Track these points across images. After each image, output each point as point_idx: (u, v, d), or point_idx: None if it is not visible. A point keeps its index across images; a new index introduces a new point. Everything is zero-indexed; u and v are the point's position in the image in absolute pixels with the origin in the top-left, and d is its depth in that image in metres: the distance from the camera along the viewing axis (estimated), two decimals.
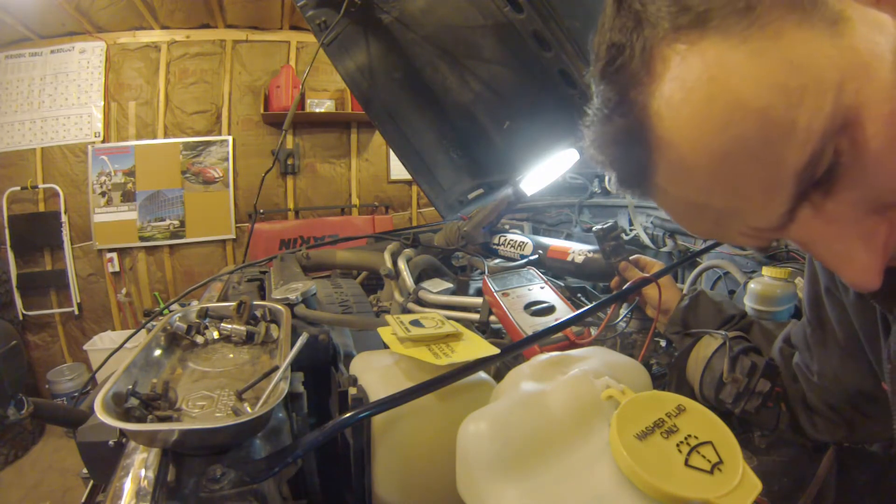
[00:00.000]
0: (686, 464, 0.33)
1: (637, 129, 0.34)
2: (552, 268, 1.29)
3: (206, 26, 3.51)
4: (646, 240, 1.42)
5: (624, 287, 0.88)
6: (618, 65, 0.34)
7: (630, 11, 0.33)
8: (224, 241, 3.67)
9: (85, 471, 0.68)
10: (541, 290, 0.97)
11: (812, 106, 0.29)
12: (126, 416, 0.46)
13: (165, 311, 1.13)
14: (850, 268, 0.33)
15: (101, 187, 3.39)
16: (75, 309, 3.40)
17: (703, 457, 0.34)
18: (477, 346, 0.58)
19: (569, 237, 1.76)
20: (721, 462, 0.33)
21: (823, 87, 0.29)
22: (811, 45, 0.29)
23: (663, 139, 0.33)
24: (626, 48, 0.33)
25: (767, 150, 0.30)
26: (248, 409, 0.49)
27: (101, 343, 3.28)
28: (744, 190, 0.32)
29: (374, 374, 0.57)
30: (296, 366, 0.58)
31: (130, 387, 0.48)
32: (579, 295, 1.24)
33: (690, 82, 0.31)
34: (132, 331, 2.21)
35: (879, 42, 0.30)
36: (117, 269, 3.47)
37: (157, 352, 0.60)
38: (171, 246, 3.57)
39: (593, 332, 0.82)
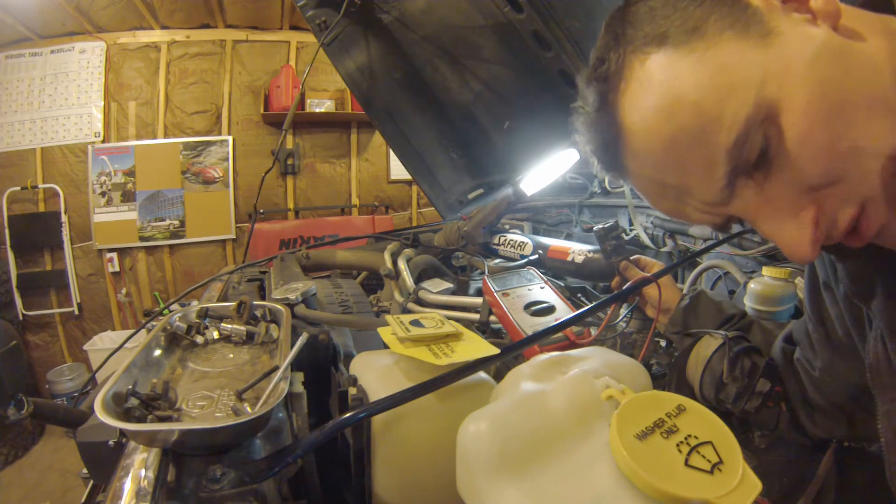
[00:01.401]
0: (686, 464, 0.33)
1: (610, 121, 0.43)
2: (552, 268, 1.29)
3: (206, 26, 3.51)
4: (646, 240, 1.42)
5: (624, 287, 0.88)
6: (599, 73, 0.43)
7: (612, 34, 0.43)
8: (224, 241, 3.67)
9: (85, 471, 0.68)
10: (541, 290, 0.97)
11: (737, 99, 0.36)
12: (126, 416, 0.46)
13: (165, 311, 1.13)
14: (783, 240, 0.40)
15: (101, 187, 3.39)
16: (75, 309, 3.40)
17: (703, 457, 0.34)
18: (477, 346, 0.58)
19: (569, 237, 1.76)
20: (721, 462, 0.33)
21: (747, 84, 0.36)
22: (741, 53, 0.37)
23: (627, 128, 0.42)
24: (606, 61, 0.42)
25: (702, 135, 0.38)
26: (248, 409, 0.49)
27: (101, 343, 3.28)
28: (688, 168, 0.40)
29: (374, 374, 0.57)
30: (296, 366, 0.58)
31: (130, 387, 0.48)
32: (579, 295, 1.24)
33: (646, 83, 0.40)
34: (132, 331, 2.21)
35: (805, 49, 0.36)
36: (117, 269, 3.47)
37: (157, 352, 0.60)
38: (171, 246, 3.57)
39: (593, 332, 0.82)
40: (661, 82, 0.39)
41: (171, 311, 0.69)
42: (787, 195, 0.38)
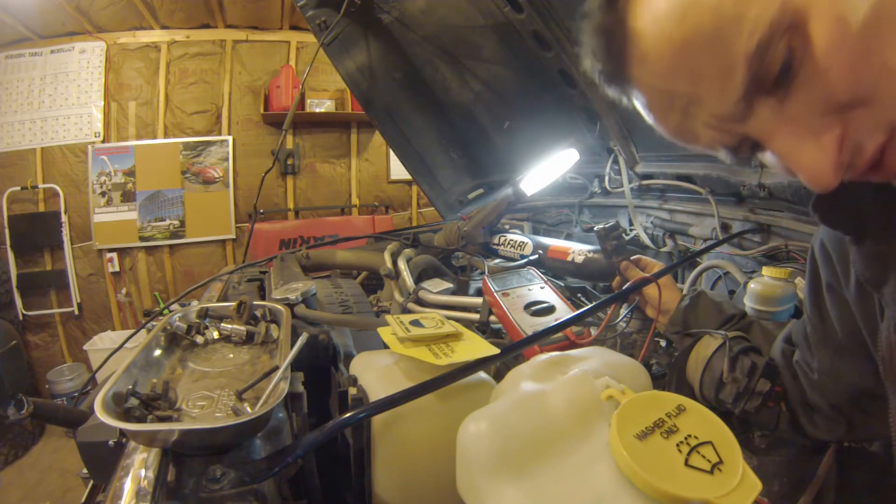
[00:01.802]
0: (686, 464, 0.33)
1: (618, 24, 0.40)
2: (552, 268, 1.29)
3: (206, 26, 3.51)
4: (646, 240, 1.42)
5: (624, 287, 0.88)
6: None
7: None
8: (224, 241, 3.67)
9: (85, 471, 0.68)
10: (541, 290, 0.97)
11: (760, 2, 0.33)
12: (126, 416, 0.46)
13: (165, 311, 1.13)
14: (803, 163, 0.36)
15: (101, 187, 3.39)
16: (75, 309, 3.40)
17: (703, 457, 0.34)
18: (477, 346, 0.58)
19: (569, 237, 1.76)
20: (721, 462, 0.33)
21: None
22: None
23: (636, 32, 0.39)
24: None
25: (719, 38, 0.34)
26: (248, 409, 0.49)
27: (101, 343, 3.28)
28: (702, 74, 0.36)
29: (374, 374, 0.57)
30: (296, 366, 0.58)
31: (130, 387, 0.48)
32: (579, 295, 1.24)
33: None
34: (132, 331, 2.21)
35: None
36: (117, 269, 3.47)
37: (157, 352, 0.60)
38: (171, 246, 3.57)
39: (593, 332, 0.82)
40: None
41: (171, 311, 0.69)
42: (810, 114, 0.35)
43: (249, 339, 0.66)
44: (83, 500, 0.80)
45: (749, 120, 0.37)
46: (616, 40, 0.41)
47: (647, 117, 0.44)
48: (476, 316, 1.01)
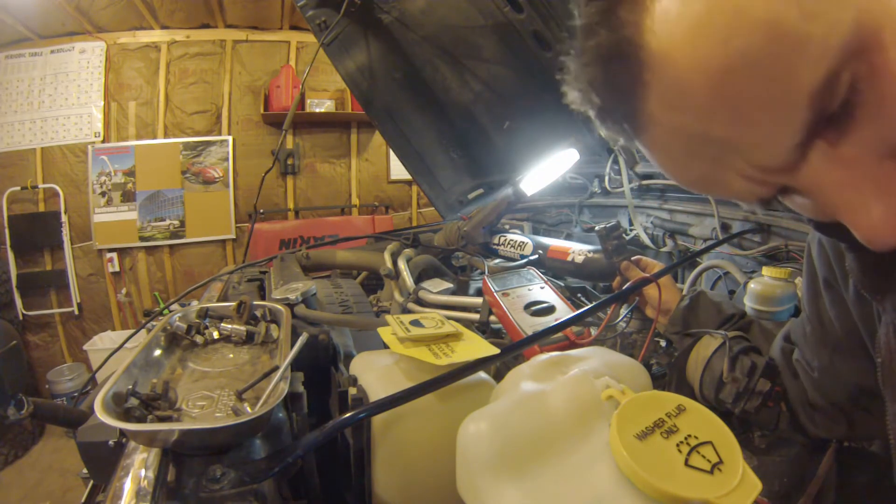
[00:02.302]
0: (686, 464, 0.33)
1: (626, 44, 0.30)
2: (552, 268, 1.29)
3: (206, 26, 3.51)
4: (646, 240, 1.42)
5: (624, 287, 0.88)
6: None
7: None
8: (224, 241, 3.67)
9: (85, 471, 0.68)
10: (541, 290, 0.97)
11: (830, 18, 0.25)
12: (126, 416, 0.46)
13: (165, 311, 1.13)
14: (864, 219, 0.29)
15: (101, 187, 3.39)
16: (75, 309, 3.40)
17: (703, 457, 0.34)
18: (477, 346, 0.58)
19: (569, 237, 1.76)
20: (721, 462, 0.33)
21: (844, 2, 0.25)
22: None
23: (657, 55, 0.29)
24: None
25: (776, 66, 0.26)
26: (248, 409, 0.49)
27: (101, 343, 3.28)
28: (749, 114, 0.28)
29: (374, 374, 0.57)
30: (296, 366, 0.58)
31: (130, 387, 0.48)
32: (579, 295, 1.24)
33: None
34: (132, 331, 2.21)
35: None
36: (117, 269, 3.47)
37: (157, 352, 0.60)
38: (171, 246, 3.57)
39: (593, 332, 0.82)
40: None
41: (171, 311, 0.69)
42: (871, 160, 0.28)
43: (249, 339, 0.66)
44: (83, 500, 0.80)
45: (801, 166, 0.30)
46: (623, 67, 0.31)
47: (657, 162, 0.36)
48: (476, 316, 1.01)
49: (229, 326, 0.66)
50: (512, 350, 0.61)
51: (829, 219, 0.32)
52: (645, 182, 1.46)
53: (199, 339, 0.64)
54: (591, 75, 0.34)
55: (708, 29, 0.27)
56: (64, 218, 3.33)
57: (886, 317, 0.44)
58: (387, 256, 1.31)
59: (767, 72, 0.26)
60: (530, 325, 0.86)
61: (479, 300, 1.02)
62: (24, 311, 3.30)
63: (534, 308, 0.91)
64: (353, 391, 0.54)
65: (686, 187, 0.36)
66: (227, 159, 3.59)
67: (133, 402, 0.47)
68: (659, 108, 0.31)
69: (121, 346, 1.31)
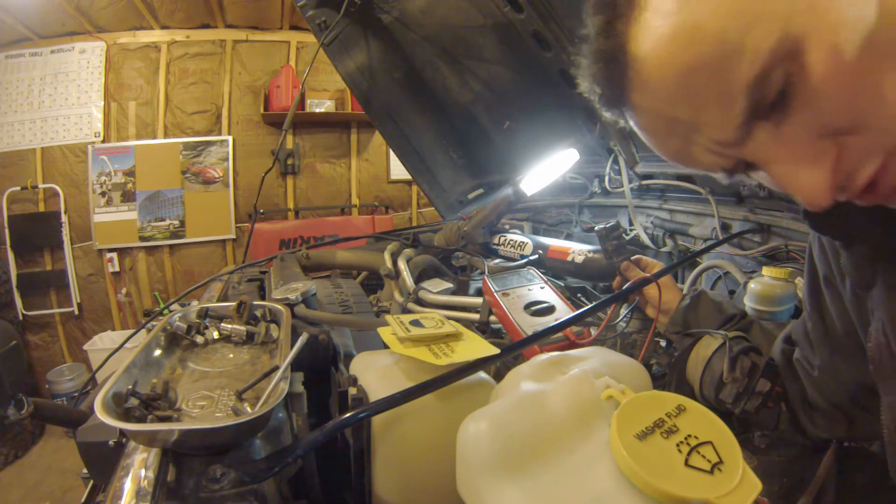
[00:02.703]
0: (686, 464, 0.33)
1: (618, 49, 0.40)
2: (552, 268, 1.29)
3: (206, 26, 3.51)
4: (646, 240, 1.42)
5: (624, 287, 0.88)
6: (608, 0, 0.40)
7: None
8: (224, 241, 3.67)
9: (85, 471, 0.68)
10: (541, 290, 0.97)
11: (762, 30, 0.33)
12: (126, 416, 0.46)
13: (165, 311, 1.13)
14: (798, 185, 0.37)
15: (101, 187, 3.39)
16: (75, 309, 3.40)
17: (703, 457, 0.34)
18: (477, 346, 0.58)
19: (569, 237, 1.76)
20: (721, 462, 0.33)
21: (774, 17, 0.33)
22: None
23: (638, 58, 0.38)
24: None
25: (721, 66, 0.35)
26: (248, 409, 0.49)
27: (101, 343, 3.28)
28: (703, 102, 0.37)
29: (374, 374, 0.57)
30: (296, 366, 0.58)
31: (130, 387, 0.48)
32: (579, 295, 1.24)
33: (665, 11, 0.36)
34: (132, 331, 2.21)
35: None
36: (117, 269, 3.47)
37: (157, 352, 0.60)
38: (171, 246, 3.57)
39: (593, 332, 0.82)
40: (681, 7, 0.36)
41: (171, 311, 0.69)
42: (806, 138, 0.36)
43: (249, 339, 0.66)
44: (83, 500, 0.80)
45: (747, 144, 0.38)
46: (616, 66, 0.40)
47: (646, 141, 0.44)
48: (476, 316, 1.01)
49: (229, 326, 0.66)
50: (512, 350, 0.61)
51: (783, 189, 0.39)
52: (645, 182, 1.46)
53: (199, 339, 0.64)
54: (593, 71, 0.43)
55: (674, 38, 0.36)
56: (64, 218, 3.33)
57: (877, 311, 0.48)
58: (387, 256, 1.31)
59: (714, 70, 0.35)
60: (530, 325, 0.86)
61: (479, 300, 1.02)
62: (24, 311, 3.30)
63: (534, 308, 0.91)
64: (353, 391, 0.54)
65: (668, 160, 0.44)
66: (227, 159, 3.59)
67: (133, 402, 0.47)
68: (640, 98, 0.41)
69: (121, 346, 1.31)
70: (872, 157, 0.35)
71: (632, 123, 0.44)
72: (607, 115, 0.46)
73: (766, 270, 0.90)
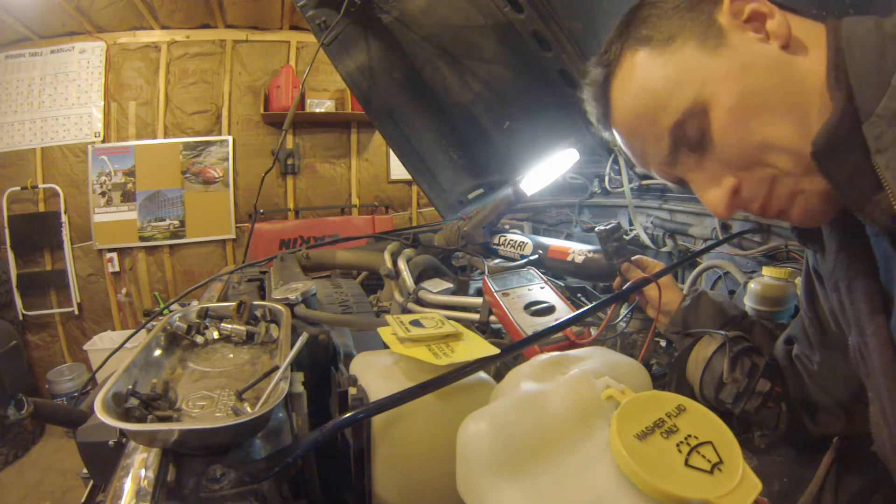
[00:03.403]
0: (686, 464, 0.33)
1: (605, 97, 0.56)
2: (552, 268, 1.29)
3: (206, 26, 3.51)
4: (646, 240, 1.42)
5: (624, 287, 0.88)
6: (603, 59, 0.56)
7: (620, 29, 0.54)
8: (224, 241, 3.67)
9: (85, 471, 0.68)
10: (541, 290, 0.97)
11: (681, 94, 0.48)
12: (126, 416, 0.46)
13: (165, 311, 1.13)
14: (707, 200, 0.52)
15: (101, 187, 3.39)
16: (75, 309, 3.40)
17: (703, 457, 0.34)
18: (477, 346, 0.58)
19: (569, 237, 1.76)
20: (721, 462, 0.33)
21: (691, 84, 0.48)
22: (695, 59, 0.48)
23: (613, 104, 0.56)
24: (609, 50, 0.55)
25: (654, 117, 0.50)
26: (248, 409, 0.49)
27: (101, 343, 3.28)
28: (645, 138, 0.53)
29: (374, 374, 0.57)
30: (296, 366, 0.58)
31: (130, 387, 0.48)
32: (579, 295, 1.24)
33: (629, 72, 0.52)
34: (132, 331, 2.21)
35: (744, 62, 0.47)
36: (117, 269, 3.47)
37: (157, 352, 0.60)
38: (171, 246, 3.57)
39: (593, 332, 0.82)
40: (639, 73, 0.51)
41: (171, 311, 0.69)
42: (716, 169, 0.50)
43: (249, 339, 0.66)
44: (83, 500, 0.80)
45: (677, 167, 0.53)
46: (603, 107, 0.57)
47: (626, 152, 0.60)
48: (476, 316, 1.01)
49: (229, 326, 0.66)
50: (512, 350, 0.61)
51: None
52: (645, 182, 1.46)
53: (199, 339, 0.64)
54: (592, 107, 0.60)
55: (631, 91, 0.52)
56: (64, 218, 3.33)
57: (848, 311, 0.55)
58: (387, 256, 1.31)
59: (651, 118, 0.51)
60: (530, 325, 0.86)
61: (479, 300, 1.02)
62: (24, 311, 3.30)
63: (534, 308, 0.91)
64: (353, 391, 0.54)
65: (640, 168, 0.60)
66: (227, 159, 3.59)
67: (133, 402, 0.47)
68: (616, 130, 0.58)
69: (121, 346, 1.31)
70: (763, 185, 0.48)
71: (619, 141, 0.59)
72: (605, 135, 0.61)
73: (766, 270, 0.90)
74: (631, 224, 1.48)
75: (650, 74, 0.50)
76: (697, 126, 0.48)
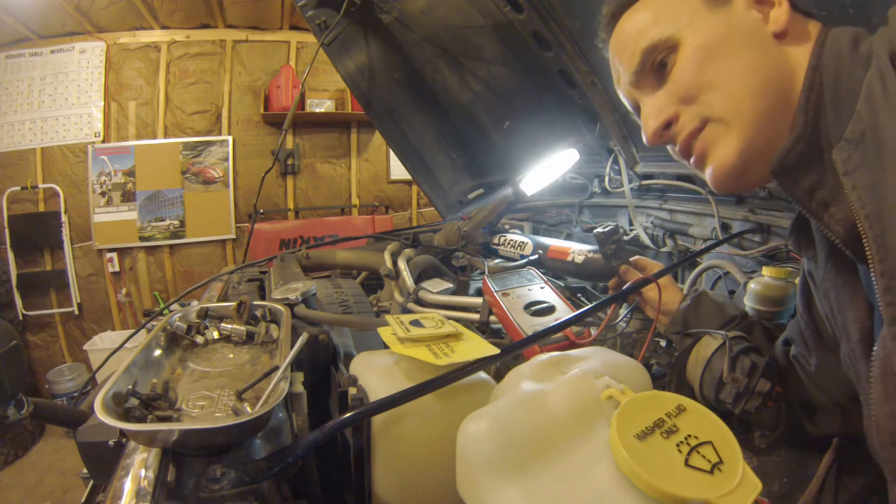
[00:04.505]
0: (686, 464, 0.33)
1: (620, 12, 0.60)
2: (552, 268, 1.29)
3: (206, 26, 3.51)
4: (646, 240, 1.42)
5: (624, 287, 0.88)
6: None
7: None
8: (224, 241, 3.67)
9: (85, 471, 0.68)
10: (541, 290, 0.97)
11: (665, 25, 0.54)
12: (126, 416, 0.46)
13: (165, 311, 1.13)
14: (645, 122, 0.58)
15: (101, 187, 3.39)
16: (75, 309, 3.40)
17: (703, 457, 0.34)
18: (477, 346, 0.58)
19: (569, 237, 1.76)
20: (721, 462, 0.33)
21: (678, 22, 0.54)
22: (697, 6, 0.53)
23: (620, 19, 0.60)
24: None
25: (638, 34, 0.56)
26: (248, 409, 0.49)
27: (101, 343, 3.28)
28: (625, 51, 0.58)
29: (374, 374, 0.57)
30: (296, 366, 0.58)
31: (130, 387, 0.48)
32: (579, 295, 1.24)
33: (643, 6, 0.58)
34: (132, 331, 2.21)
35: (731, 24, 0.52)
36: (117, 269, 3.47)
37: (157, 352, 0.60)
38: (171, 246, 3.57)
39: (593, 332, 0.82)
40: (648, 7, 0.57)
41: (171, 311, 0.69)
42: (665, 100, 0.55)
43: (249, 339, 0.66)
44: (83, 500, 0.80)
45: (638, 90, 0.59)
46: (611, 23, 0.62)
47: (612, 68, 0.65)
48: (476, 316, 1.01)
49: (229, 326, 0.66)
50: (512, 350, 0.61)
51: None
52: (645, 182, 1.46)
53: (199, 339, 0.64)
54: (608, 10, 0.63)
55: (635, 12, 0.58)
56: (64, 218, 3.33)
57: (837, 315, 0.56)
58: (387, 256, 1.31)
59: (635, 34, 0.57)
60: (530, 325, 0.86)
61: (479, 300, 1.02)
62: (24, 311, 3.30)
63: (534, 308, 0.91)
64: (353, 391, 0.54)
65: (620, 91, 0.64)
66: (227, 159, 3.59)
67: (133, 402, 0.47)
68: (612, 38, 0.62)
69: (121, 346, 1.31)
70: (695, 119, 0.53)
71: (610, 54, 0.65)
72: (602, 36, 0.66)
73: (765, 270, 0.90)
74: (631, 224, 1.48)
75: (655, 4, 0.56)
76: (664, 55, 0.54)
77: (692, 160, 0.56)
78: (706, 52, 0.51)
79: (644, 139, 0.58)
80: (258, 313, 0.70)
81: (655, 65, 0.55)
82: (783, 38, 0.51)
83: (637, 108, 0.61)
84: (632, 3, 0.59)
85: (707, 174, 0.55)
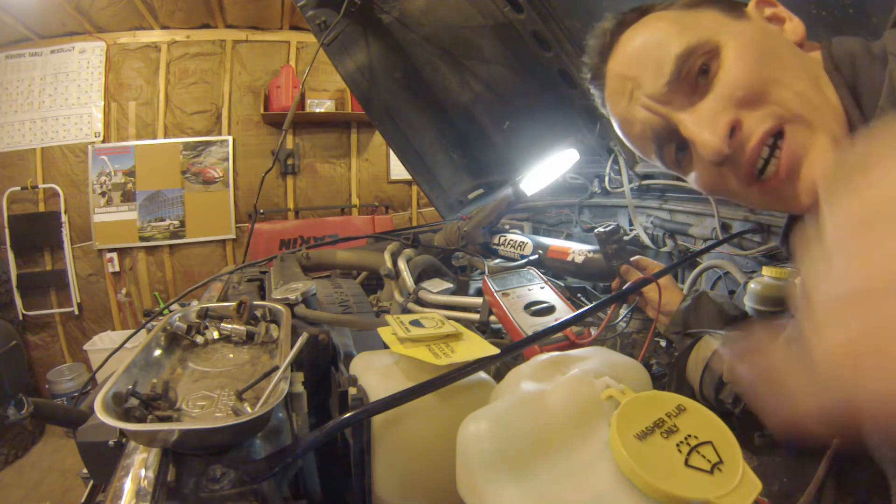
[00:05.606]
0: (686, 464, 0.33)
1: (617, 33, 0.58)
2: (552, 268, 1.28)
3: (206, 26, 3.51)
4: (646, 240, 1.42)
5: (624, 287, 0.88)
6: (623, 14, 0.59)
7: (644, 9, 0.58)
8: (224, 241, 3.67)
9: (85, 471, 0.68)
10: (541, 290, 0.97)
11: (696, 31, 0.51)
12: (126, 416, 0.46)
13: (165, 311, 1.13)
14: (700, 135, 0.50)
15: (101, 187, 3.39)
16: (75, 309, 3.40)
17: (703, 457, 0.34)
18: (477, 346, 0.58)
19: (569, 237, 1.76)
20: (721, 462, 0.33)
21: (708, 28, 0.51)
22: (718, 18, 0.52)
23: (619, 38, 0.58)
24: (632, 11, 0.59)
25: (664, 41, 0.53)
26: (248, 409, 0.49)
27: (101, 343, 3.28)
28: (646, 62, 0.54)
29: (374, 374, 0.57)
30: (296, 366, 0.58)
31: (130, 387, 0.48)
32: (579, 295, 1.24)
33: (645, 21, 0.56)
34: (132, 331, 2.21)
35: (757, 30, 0.52)
36: (117, 269, 3.47)
37: (157, 352, 0.59)
38: (171, 246, 3.57)
39: (593, 332, 0.82)
40: (658, 18, 0.55)
41: (171, 311, 0.69)
42: (713, 107, 0.50)
43: (249, 339, 0.66)
44: (83, 500, 0.80)
45: (672, 102, 0.52)
46: (605, 43, 0.59)
47: (608, 106, 0.61)
48: (476, 316, 1.01)
49: (229, 326, 0.66)
50: (512, 350, 0.61)
51: (688, 138, 0.53)
52: (645, 182, 1.46)
53: (199, 339, 0.64)
54: (592, 49, 0.61)
55: (644, 27, 0.56)
56: (64, 218, 3.33)
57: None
58: (387, 256, 1.31)
59: (658, 42, 0.53)
60: (530, 325, 0.86)
61: (479, 300, 1.02)
62: (24, 311, 3.30)
63: (534, 308, 0.91)
64: (353, 391, 0.54)
65: (618, 124, 0.60)
66: (227, 159, 3.59)
67: (133, 402, 0.47)
68: (613, 56, 0.59)
69: (121, 346, 1.31)
70: (767, 120, 0.48)
71: (604, 95, 0.61)
72: (589, 85, 0.63)
73: (766, 270, 0.90)
74: (631, 224, 1.48)
75: (670, 17, 0.54)
76: (705, 60, 0.50)
77: (766, 174, 0.49)
78: (757, 50, 0.48)
79: (704, 155, 0.50)
80: (258, 313, 0.70)
81: (694, 71, 0.50)
82: (801, 47, 0.52)
83: (662, 131, 0.54)
84: (634, 21, 0.56)
85: (800, 186, 0.49)
